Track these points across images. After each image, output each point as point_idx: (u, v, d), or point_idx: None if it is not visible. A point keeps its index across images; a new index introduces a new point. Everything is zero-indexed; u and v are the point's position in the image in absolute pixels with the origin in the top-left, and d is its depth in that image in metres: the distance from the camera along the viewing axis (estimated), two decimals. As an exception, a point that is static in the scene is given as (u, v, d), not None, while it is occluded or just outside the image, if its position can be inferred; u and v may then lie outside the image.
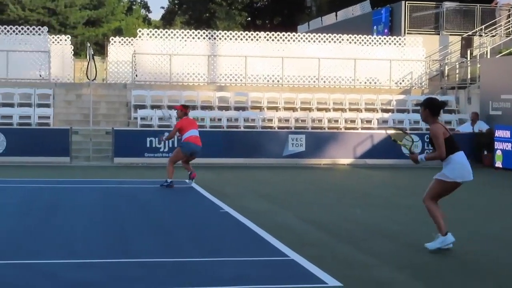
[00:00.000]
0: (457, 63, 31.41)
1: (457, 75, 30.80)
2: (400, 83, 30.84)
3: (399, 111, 28.51)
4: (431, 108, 10.57)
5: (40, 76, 29.23)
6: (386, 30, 36.41)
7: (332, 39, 31.18)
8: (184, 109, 18.29)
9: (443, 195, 10.71)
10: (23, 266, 9.21)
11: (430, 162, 10.74)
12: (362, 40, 31.30)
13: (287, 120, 27.43)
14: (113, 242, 10.84)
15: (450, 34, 34.42)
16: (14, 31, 29.76)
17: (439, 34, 34.65)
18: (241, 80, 29.84)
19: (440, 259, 10.00)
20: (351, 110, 28.47)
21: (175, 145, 23.46)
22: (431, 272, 9.25)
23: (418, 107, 10.94)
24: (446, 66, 31.46)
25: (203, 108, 27.66)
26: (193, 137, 17.91)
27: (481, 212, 14.82)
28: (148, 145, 23.60)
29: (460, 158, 10.50)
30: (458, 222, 11.94)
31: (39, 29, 29.95)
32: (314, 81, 30.20)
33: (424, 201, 10.62)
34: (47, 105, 27.15)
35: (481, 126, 25.57)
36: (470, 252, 10.55)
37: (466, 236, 11.73)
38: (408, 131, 13.02)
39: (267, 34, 31.09)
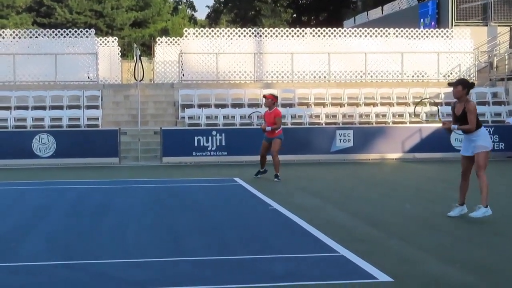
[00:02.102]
0: (506, 54, 31.03)
1: (506, 66, 30.43)
2: (448, 76, 30.55)
3: (447, 104, 28.21)
4: (466, 86, 12.17)
5: (88, 78, 29.53)
6: (433, 23, 36.12)
7: (379, 33, 31.01)
8: (275, 99, 18.67)
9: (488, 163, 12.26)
10: (76, 267, 9.28)
11: (491, 155, 12.60)
12: (409, 34, 31.08)
13: (334, 116, 27.35)
14: (164, 241, 10.88)
15: (499, 25, 34.07)
16: (62, 34, 30.08)
17: (487, 25, 34.31)
18: (287, 77, 29.82)
19: (492, 252, 9.88)
20: (399, 104, 28.28)
21: (223, 143, 23.56)
22: (483, 266, 9.13)
23: (452, 87, 12.31)
24: (495, 58, 31.10)
25: (250, 105, 27.69)
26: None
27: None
28: (196, 144, 23.70)
29: (486, 131, 12.43)
30: None
31: (87, 31, 30.25)
32: (361, 76, 30.06)
33: (478, 174, 12.09)
34: (96, 107, 27.40)
35: (532, 117, 25.27)
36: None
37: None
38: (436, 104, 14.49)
39: (313, 30, 31.02)
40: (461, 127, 12.17)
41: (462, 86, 12.15)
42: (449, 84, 12.71)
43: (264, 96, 19.03)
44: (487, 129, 12.91)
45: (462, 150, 12.44)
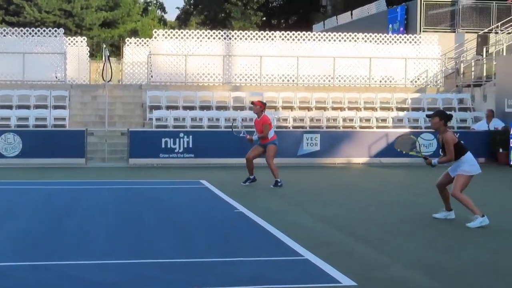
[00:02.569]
0: (472, 60, 31.33)
1: (472, 73, 30.71)
2: (416, 82, 30.79)
3: (414, 109, 28.46)
4: (442, 117, 12.47)
5: (56, 78, 29.37)
6: (401, 28, 36.38)
7: (348, 38, 31.17)
8: (263, 106, 18.14)
9: (466, 186, 12.50)
10: (41, 267, 9.25)
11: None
12: (378, 39, 31.27)
13: (302, 120, 27.45)
14: (129, 242, 10.88)
15: (466, 32, 34.38)
16: (30, 33, 29.89)
17: (454, 31, 34.62)
18: (256, 80, 29.88)
19: (455, 258, 9.99)
20: (366, 109, 28.45)
21: (190, 145, 23.53)
22: (447, 271, 9.23)
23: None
24: (462, 64, 31.38)
25: (218, 108, 27.72)
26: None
27: (497, 209, 14.76)
28: (163, 145, 23.67)
29: (471, 156, 12.53)
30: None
31: (55, 31, 30.08)
32: (329, 80, 30.20)
33: (454, 195, 12.40)
34: (63, 107, 27.28)
35: (497, 124, 25.48)
36: (487, 249, 10.52)
37: (482, 233, 11.71)
38: (411, 136, 14.32)
39: (282, 34, 31.11)
40: (442, 160, 12.56)
41: (439, 117, 12.46)
42: (427, 116, 13.06)
43: (252, 103, 18.49)
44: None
45: (450, 168, 12.73)
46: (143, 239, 11.17)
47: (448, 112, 12.83)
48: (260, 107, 17.96)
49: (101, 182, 19.11)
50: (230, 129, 20.38)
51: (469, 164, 12.42)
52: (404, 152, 13.41)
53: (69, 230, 11.95)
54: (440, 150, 12.84)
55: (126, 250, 10.35)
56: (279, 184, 17.83)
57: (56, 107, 27.22)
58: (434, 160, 12.61)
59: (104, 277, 8.79)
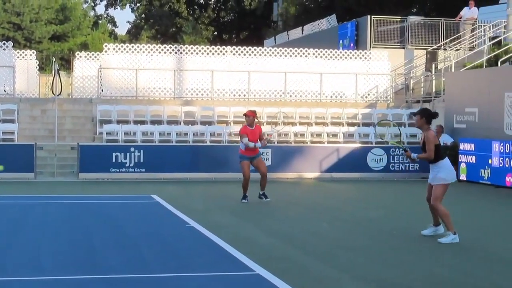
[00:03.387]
0: (422, 76, 31.67)
1: (422, 89, 31.04)
2: (366, 97, 31.00)
3: (364, 124, 28.62)
4: (427, 116, 12.52)
5: (5, 91, 29.00)
6: (352, 44, 36.63)
7: (298, 53, 31.28)
8: (255, 115, 18.06)
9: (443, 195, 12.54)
10: (-13, 284, 9.12)
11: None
12: (328, 54, 31.44)
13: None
14: (79, 258, 10.76)
15: (415, 48, 34.72)
16: (-22, 46, 29.51)
17: (404, 48, 34.94)
18: (207, 94, 29.83)
19: (408, 272, 10.05)
20: (317, 124, 28.53)
21: (141, 159, 23.40)
22: (398, 286, 9.27)
23: (414, 116, 12.89)
24: (411, 80, 31.69)
25: (169, 122, 27.58)
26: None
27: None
28: (113, 160, 23.48)
29: (449, 163, 12.60)
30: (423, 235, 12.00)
31: (4, 43, 29.74)
32: (281, 95, 30.27)
33: (433, 205, 12.43)
34: (12, 121, 26.94)
35: (446, 139, 25.73)
36: (438, 265, 10.60)
37: (434, 248, 11.80)
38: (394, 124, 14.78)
39: (234, 49, 31.12)
40: (421, 156, 12.55)
41: (420, 115, 12.55)
42: (411, 114, 13.31)
43: (245, 114, 18.19)
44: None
45: (429, 178, 12.68)
46: (93, 255, 11.07)
47: (433, 111, 12.97)
48: (253, 117, 17.85)
49: (51, 197, 18.91)
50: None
51: (447, 170, 12.45)
52: (384, 140, 14.00)
53: (18, 245, 11.79)
54: (420, 148, 12.76)
55: (76, 265, 10.23)
56: (243, 200, 17.93)
57: (4, 121, 26.88)
58: (414, 154, 12.69)
59: (53, 293, 8.70)
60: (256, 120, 18.02)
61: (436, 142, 12.44)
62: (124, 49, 30.22)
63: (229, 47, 31.52)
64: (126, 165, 23.55)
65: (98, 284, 9.15)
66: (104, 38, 69.95)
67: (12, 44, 30.53)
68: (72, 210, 16.51)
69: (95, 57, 32.34)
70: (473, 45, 33.17)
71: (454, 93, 26.86)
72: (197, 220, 14.42)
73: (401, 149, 13.24)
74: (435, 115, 12.76)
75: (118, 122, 27.21)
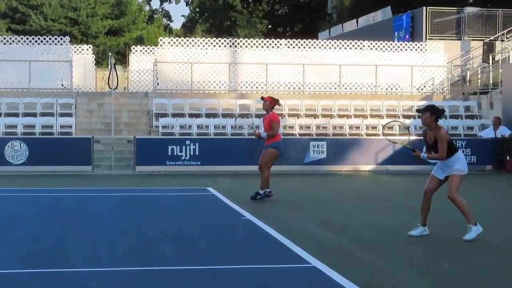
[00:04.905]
0: (479, 68, 31.30)
1: (479, 81, 30.67)
2: (422, 89, 30.74)
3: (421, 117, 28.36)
4: (436, 113, 11.74)
5: (62, 85, 29.40)
6: (407, 36, 36.35)
7: (353, 45, 31.17)
8: (273, 102, 16.57)
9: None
10: (47, 275, 9.23)
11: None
12: (383, 46, 31.26)
13: (308, 127, 27.42)
14: (136, 250, 10.85)
15: (472, 39, 34.35)
16: (36, 41, 29.94)
17: (460, 39, 34.58)
18: (262, 87, 29.87)
19: (465, 266, 9.95)
20: (372, 116, 28.40)
21: (196, 152, 23.52)
22: (455, 279, 9.19)
23: (420, 113, 12.00)
24: (468, 72, 31.33)
25: (224, 116, 27.70)
26: (281, 135, 16.77)
27: (505, 217, 14.72)
28: (169, 153, 23.64)
29: (462, 155, 11.99)
30: (484, 227, 11.84)
31: (61, 39, 30.13)
32: (335, 88, 30.17)
33: (451, 197, 11.70)
34: (69, 115, 27.30)
35: (504, 131, 25.41)
36: (498, 259, 10.46)
37: (490, 241, 11.66)
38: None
39: (288, 41, 31.11)
40: (432, 156, 11.81)
41: (430, 112, 11.72)
42: (417, 111, 12.36)
43: (262, 98, 17.02)
44: (459, 144, 12.92)
45: (435, 170, 12.02)
46: (149, 247, 11.15)
47: (440, 107, 12.23)
48: (270, 103, 16.51)
49: (108, 190, 19.11)
50: (234, 118, 19.90)
51: (463, 162, 11.78)
52: (392, 142, 13.11)
53: (75, 237, 11.93)
54: (424, 148, 12.11)
55: (132, 257, 10.32)
56: (258, 197, 16.52)
57: (62, 115, 27.24)
58: (424, 154, 11.87)
59: (109, 284, 8.77)
60: (273, 106, 16.54)
61: (449, 139, 11.66)
62: (179, 43, 30.42)
63: (283, 40, 31.51)
64: (182, 158, 23.69)
65: (154, 276, 9.21)
66: (159, 32, 70.37)
67: (69, 39, 30.92)
68: (128, 202, 16.65)
69: (151, 51, 32.58)
70: (531, 36, 32.68)
71: (511, 84, 26.47)
72: (252, 213, 14.44)
73: (409, 150, 12.19)
74: (442, 111, 12.09)
75: (174, 115, 27.41)
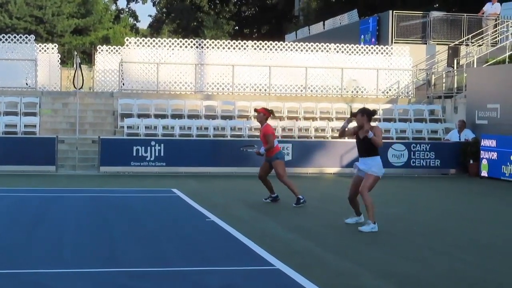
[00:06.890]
0: (443, 72, 31.53)
1: (443, 84, 30.91)
2: (387, 92, 30.91)
3: (385, 120, 28.57)
4: (368, 114, 13.12)
5: (27, 84, 29.16)
6: (373, 39, 36.51)
7: (320, 48, 31.24)
8: (267, 113, 16.53)
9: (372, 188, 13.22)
10: (11, 276, 9.16)
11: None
12: (349, 49, 31.38)
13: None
14: (100, 251, 10.80)
15: (437, 44, 34.57)
16: (0, 40, 29.66)
17: (426, 43, 34.79)
18: (228, 89, 29.85)
19: (429, 268, 10.01)
20: (338, 119, 28.49)
21: (162, 153, 23.44)
22: (418, 281, 9.25)
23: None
24: (433, 75, 31.56)
25: (190, 117, 27.64)
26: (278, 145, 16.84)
27: (469, 221, 14.85)
28: (134, 153, 23.53)
29: (381, 161, 13.33)
30: (448, 230, 11.94)
31: (26, 37, 29.89)
32: (301, 90, 30.24)
33: (361, 191, 13.07)
34: (34, 114, 27.09)
35: (467, 135, 25.63)
36: (458, 260, 10.56)
37: (455, 244, 11.76)
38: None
39: (255, 43, 31.10)
40: (374, 140, 12.92)
41: (361, 113, 13.14)
42: (351, 115, 13.64)
43: (255, 110, 16.90)
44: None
45: (357, 170, 13.38)
46: (113, 248, 11.10)
47: (372, 109, 13.47)
48: (263, 114, 16.45)
49: (72, 190, 18.99)
50: (242, 149, 19.76)
51: (379, 167, 13.24)
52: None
53: (39, 238, 11.85)
54: (358, 142, 13.41)
55: (97, 258, 10.27)
56: (301, 201, 16.32)
57: (26, 114, 27.03)
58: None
59: (73, 285, 8.72)
60: (267, 117, 16.62)
61: (381, 136, 13.11)
62: (146, 43, 30.31)
63: (250, 41, 31.50)
64: (147, 159, 23.60)
65: (119, 277, 9.18)
66: (125, 32, 70.10)
67: (34, 37, 30.67)
68: (92, 203, 16.57)
69: (117, 51, 32.40)
70: (496, 41, 32.99)
71: (476, 89, 26.72)
72: (217, 214, 14.44)
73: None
74: (374, 113, 13.42)
75: (139, 116, 27.31)
